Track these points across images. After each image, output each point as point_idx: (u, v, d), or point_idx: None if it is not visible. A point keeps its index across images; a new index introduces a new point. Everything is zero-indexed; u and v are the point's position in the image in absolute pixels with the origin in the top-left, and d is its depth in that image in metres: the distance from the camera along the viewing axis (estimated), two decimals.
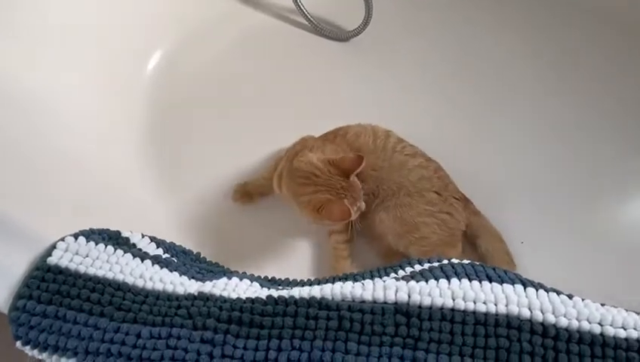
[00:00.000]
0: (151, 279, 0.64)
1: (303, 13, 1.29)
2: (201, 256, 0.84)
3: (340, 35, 1.30)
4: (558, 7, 1.32)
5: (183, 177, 1.10)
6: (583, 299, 0.59)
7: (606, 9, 1.28)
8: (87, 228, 0.70)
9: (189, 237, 0.99)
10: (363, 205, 0.87)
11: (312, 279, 0.75)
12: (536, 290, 0.60)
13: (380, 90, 1.22)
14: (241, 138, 1.14)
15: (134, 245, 0.73)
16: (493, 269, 0.65)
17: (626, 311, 0.58)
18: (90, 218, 0.94)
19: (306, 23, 1.31)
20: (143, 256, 0.68)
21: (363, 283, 0.63)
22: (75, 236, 0.67)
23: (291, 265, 0.98)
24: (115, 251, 0.66)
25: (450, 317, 0.58)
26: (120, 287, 0.63)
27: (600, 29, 1.27)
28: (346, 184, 0.85)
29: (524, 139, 1.15)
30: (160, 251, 0.75)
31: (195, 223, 1.03)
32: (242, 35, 1.31)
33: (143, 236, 0.76)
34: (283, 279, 0.77)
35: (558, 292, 0.60)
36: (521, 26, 1.30)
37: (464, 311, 0.58)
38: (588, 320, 0.57)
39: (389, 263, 0.78)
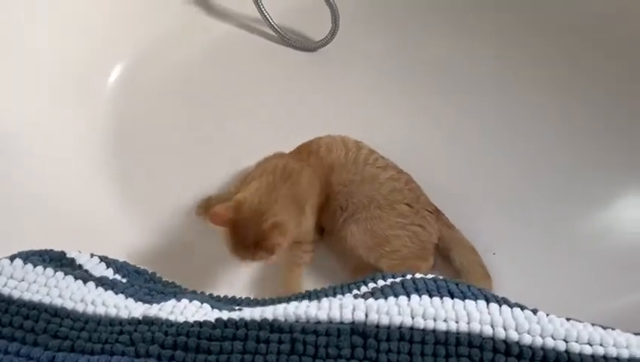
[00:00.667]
0: (92, 303, 0.60)
1: (270, 23, 1.27)
2: (157, 275, 0.80)
3: (307, 46, 1.28)
4: (524, 15, 1.31)
5: (148, 190, 1.06)
6: (547, 314, 0.57)
7: (572, 17, 1.27)
8: (27, 250, 0.66)
9: (152, 251, 0.97)
10: None
11: (270, 298, 0.71)
12: (500, 306, 0.57)
13: (348, 100, 1.20)
14: (207, 151, 1.11)
15: (80, 266, 0.68)
16: (456, 284, 0.62)
17: (592, 325, 0.55)
18: (51, 235, 0.91)
19: (273, 33, 1.29)
20: (86, 277, 0.63)
21: (319, 303, 0.59)
22: (11, 258, 0.63)
23: (258, 280, 0.95)
24: (54, 274, 0.62)
25: (409, 337, 0.54)
26: (57, 313, 0.58)
27: (569, 37, 1.27)
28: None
29: (495, 149, 1.14)
30: (109, 272, 0.71)
31: (159, 237, 1.00)
32: (207, 46, 1.28)
33: (92, 256, 0.72)
34: (241, 298, 0.74)
35: (522, 308, 0.58)
36: (493, 36, 1.28)
37: (424, 330, 0.55)
38: (552, 336, 0.54)
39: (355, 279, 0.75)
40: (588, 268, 1.00)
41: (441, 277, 0.65)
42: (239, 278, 0.94)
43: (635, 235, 1.04)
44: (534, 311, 0.57)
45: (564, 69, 1.22)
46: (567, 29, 1.26)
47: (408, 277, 0.66)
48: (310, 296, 0.70)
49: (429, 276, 0.66)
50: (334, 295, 0.67)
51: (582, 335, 0.54)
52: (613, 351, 0.53)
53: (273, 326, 0.56)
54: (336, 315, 0.57)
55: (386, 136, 1.13)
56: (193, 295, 0.68)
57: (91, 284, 0.63)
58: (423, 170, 1.03)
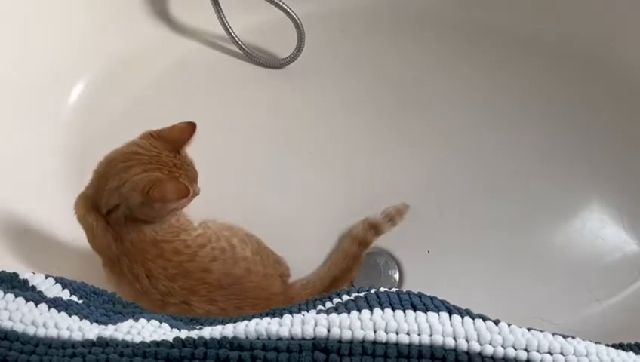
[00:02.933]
0: (44, 325, 0.58)
1: (236, 41, 1.27)
2: (117, 295, 0.77)
3: (273, 63, 1.28)
4: (490, 32, 1.34)
5: None
6: (509, 325, 0.57)
7: (536, 38, 1.31)
8: None
9: None
10: (198, 188, 0.82)
11: (232, 317, 0.70)
12: (462, 317, 0.57)
13: (314, 116, 1.21)
14: None
15: (33, 287, 0.66)
16: (419, 297, 0.62)
17: (553, 334, 0.56)
18: (9, 254, 0.88)
19: (239, 51, 1.29)
20: (38, 299, 0.61)
21: (281, 319, 0.58)
22: None
23: None
24: (4, 295, 0.60)
25: (371, 351, 0.54)
26: (7, 336, 0.56)
27: (531, 56, 1.30)
28: (179, 161, 0.79)
29: (459, 162, 1.16)
30: (65, 293, 0.69)
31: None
32: (173, 64, 1.28)
33: (47, 277, 0.70)
34: (202, 318, 0.72)
35: (484, 319, 0.58)
36: (451, 55, 1.31)
37: (386, 344, 0.54)
38: (514, 346, 0.54)
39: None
40: (549, 279, 1.02)
41: (404, 291, 0.65)
42: None
43: (596, 246, 1.07)
44: (496, 322, 0.57)
45: (525, 87, 1.26)
46: (531, 43, 1.30)
47: (372, 291, 0.66)
48: (274, 313, 0.69)
49: (393, 289, 0.66)
50: (299, 311, 0.66)
51: (542, 345, 0.54)
52: (573, 360, 0.53)
53: (233, 344, 0.55)
54: (297, 331, 0.56)
55: (349, 152, 1.15)
56: (152, 314, 0.65)
57: (43, 306, 0.60)
58: (383, 187, 1.07)
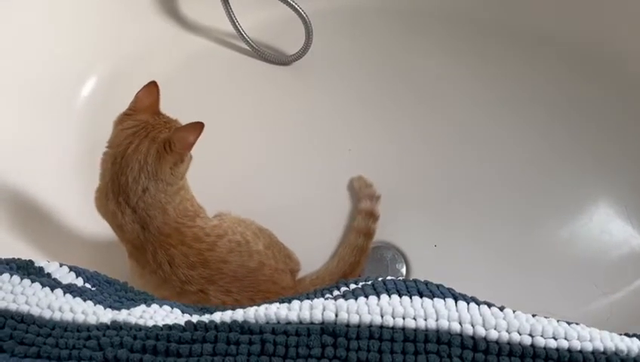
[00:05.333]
0: (60, 309, 0.59)
1: (244, 38, 1.29)
2: (128, 285, 0.79)
3: (281, 59, 1.29)
4: (494, 29, 1.34)
5: None
6: (514, 311, 0.58)
7: (546, 35, 1.31)
8: None
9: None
10: None
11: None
12: (468, 304, 0.58)
13: (322, 112, 1.22)
14: None
15: (49, 274, 0.68)
16: (426, 284, 0.63)
17: (557, 321, 0.57)
18: (21, 246, 0.90)
19: (248, 47, 1.30)
20: (53, 285, 0.63)
21: (289, 304, 0.59)
22: None
23: None
24: (21, 281, 0.61)
25: (378, 335, 0.55)
26: (24, 319, 0.57)
27: (540, 52, 1.30)
28: (165, 118, 0.82)
29: (467, 157, 1.17)
30: (79, 280, 0.70)
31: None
32: (182, 61, 1.29)
33: (61, 265, 0.71)
34: (212, 307, 0.73)
35: (490, 305, 0.59)
36: (460, 51, 1.32)
37: (393, 328, 0.55)
38: (518, 331, 0.55)
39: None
40: (556, 273, 1.03)
41: (411, 279, 0.66)
42: None
43: (603, 241, 1.07)
44: (501, 308, 0.58)
45: (534, 82, 1.26)
46: (536, 42, 1.30)
47: (379, 279, 0.67)
48: (283, 300, 0.71)
49: (400, 278, 0.67)
50: (307, 299, 0.67)
51: (547, 330, 0.55)
52: (577, 345, 0.54)
53: (243, 327, 0.56)
54: (306, 316, 0.57)
55: (358, 147, 1.16)
56: (164, 301, 0.67)
57: (59, 291, 0.62)
58: (388, 185, 1.07)
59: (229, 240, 0.84)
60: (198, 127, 0.78)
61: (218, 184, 1.05)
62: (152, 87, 0.83)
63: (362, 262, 0.98)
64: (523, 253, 1.05)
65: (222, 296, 0.81)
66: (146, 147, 0.79)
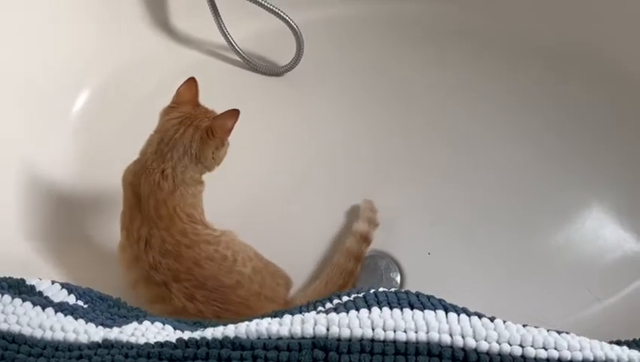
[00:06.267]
0: (51, 328, 0.59)
1: (236, 49, 1.29)
2: (121, 300, 0.79)
3: (273, 70, 1.30)
4: (486, 40, 1.35)
5: (113, 219, 1.04)
6: (504, 322, 0.58)
7: (538, 40, 1.32)
8: None
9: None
10: None
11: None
12: (458, 315, 0.58)
13: (314, 123, 1.22)
14: None
15: (40, 293, 0.68)
16: (417, 296, 0.63)
17: (548, 330, 0.57)
18: (13, 258, 0.90)
19: (239, 59, 1.31)
20: (45, 304, 0.63)
21: (281, 319, 0.60)
22: None
23: None
24: (12, 300, 0.61)
25: (369, 349, 0.55)
26: (15, 340, 0.57)
27: (531, 59, 1.31)
28: (204, 109, 0.90)
29: (460, 165, 1.17)
30: (71, 298, 0.71)
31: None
32: (175, 73, 1.26)
33: (53, 283, 0.71)
34: (205, 321, 0.73)
35: (480, 316, 0.59)
36: (451, 60, 1.33)
37: (384, 341, 0.56)
38: (509, 342, 0.55)
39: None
40: (549, 279, 1.03)
41: (402, 290, 0.66)
42: None
43: (596, 246, 1.07)
44: (492, 319, 0.58)
45: (527, 89, 1.27)
46: (526, 49, 1.31)
47: (371, 291, 0.67)
48: (275, 314, 0.71)
49: (392, 289, 0.67)
50: (300, 313, 0.67)
51: (537, 340, 0.55)
52: (567, 354, 0.54)
53: (235, 343, 0.56)
54: (297, 330, 0.57)
55: (350, 158, 1.16)
56: (156, 317, 0.67)
57: (50, 310, 0.62)
58: (381, 194, 1.08)
59: (215, 250, 0.84)
60: (234, 113, 0.87)
61: (209, 196, 1.05)
62: (192, 83, 0.92)
63: (350, 284, 0.98)
64: (517, 259, 1.05)
65: (184, 299, 0.81)
66: (190, 134, 0.86)
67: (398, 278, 1.04)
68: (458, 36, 1.34)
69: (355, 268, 0.97)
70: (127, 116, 1.21)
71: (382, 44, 1.34)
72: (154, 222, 0.83)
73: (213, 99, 1.25)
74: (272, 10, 1.19)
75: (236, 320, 0.65)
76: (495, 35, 1.33)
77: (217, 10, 1.25)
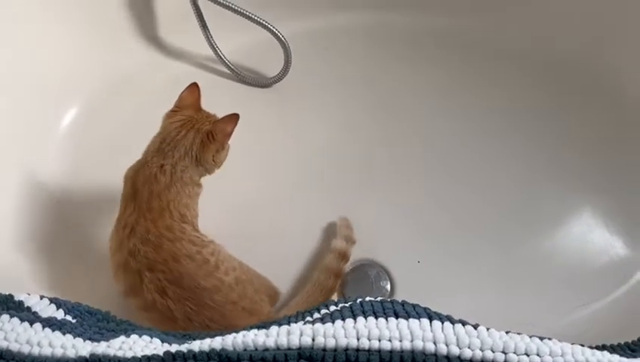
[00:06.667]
0: (39, 344, 0.60)
1: (224, 62, 1.30)
2: (110, 314, 0.79)
3: (261, 82, 1.31)
4: (467, 45, 1.37)
5: (98, 237, 1.03)
6: (487, 329, 0.59)
7: (521, 49, 1.33)
8: None
9: (107, 293, 0.93)
10: None
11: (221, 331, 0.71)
12: (442, 323, 0.59)
13: (303, 133, 1.23)
14: None
15: (29, 308, 0.68)
16: (402, 304, 0.64)
17: (530, 336, 0.58)
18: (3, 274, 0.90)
19: (228, 71, 1.32)
20: (32, 319, 0.63)
21: (267, 330, 0.60)
22: None
23: None
24: (0, 316, 0.62)
25: (354, 358, 0.56)
26: (3, 355, 0.58)
27: (514, 70, 1.32)
28: (205, 113, 0.94)
29: (448, 170, 1.18)
30: (60, 313, 0.71)
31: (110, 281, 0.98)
32: (163, 87, 1.29)
33: (41, 298, 0.72)
34: (193, 333, 0.74)
35: (464, 323, 0.60)
36: (438, 73, 1.33)
37: (369, 351, 0.56)
38: (492, 349, 0.56)
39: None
40: (538, 285, 1.04)
41: (388, 299, 0.67)
42: None
43: (583, 251, 1.09)
44: (475, 326, 0.59)
45: (514, 99, 1.28)
46: (516, 54, 1.32)
47: (358, 301, 0.68)
48: (265, 325, 0.71)
49: (378, 298, 0.68)
50: (288, 323, 0.68)
51: (519, 347, 0.56)
52: (549, 360, 0.55)
53: (221, 355, 0.57)
54: (283, 341, 0.58)
55: (338, 169, 1.17)
56: (145, 330, 0.67)
57: (38, 326, 0.63)
58: (369, 206, 1.10)
59: (198, 252, 0.85)
60: (234, 118, 0.91)
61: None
62: (194, 88, 0.95)
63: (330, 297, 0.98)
64: (505, 266, 1.06)
65: (155, 291, 0.81)
66: (192, 136, 0.90)
67: (389, 286, 1.05)
68: (444, 47, 1.35)
69: (335, 285, 0.98)
70: (116, 130, 1.21)
71: (368, 56, 1.35)
72: (143, 212, 0.85)
73: None
74: (260, 22, 1.21)
75: (223, 332, 0.65)
76: (481, 46, 1.35)
77: (205, 24, 1.26)
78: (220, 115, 1.26)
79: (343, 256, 1.00)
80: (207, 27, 1.26)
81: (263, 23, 1.21)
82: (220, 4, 1.19)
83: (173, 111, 0.94)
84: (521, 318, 0.95)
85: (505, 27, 1.34)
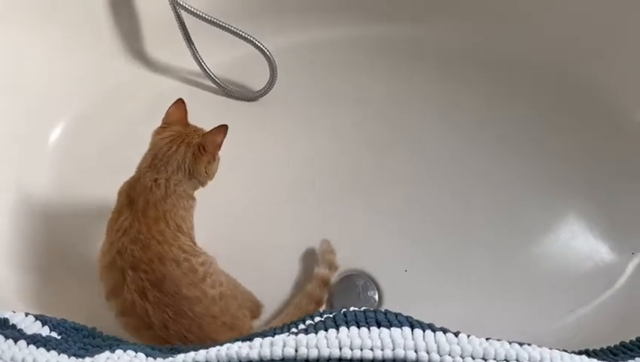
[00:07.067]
0: (23, 361, 0.60)
1: (210, 76, 1.31)
2: (97, 330, 0.79)
3: (247, 95, 1.32)
4: (451, 55, 1.39)
5: (88, 252, 1.02)
6: (468, 336, 0.59)
7: (507, 61, 1.36)
8: None
9: (94, 306, 0.92)
10: None
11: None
12: (424, 331, 0.60)
13: (289, 146, 1.24)
14: None
15: (14, 326, 0.68)
16: (384, 314, 0.65)
17: (510, 343, 0.59)
18: None
19: (214, 85, 1.33)
20: (17, 336, 0.63)
21: (251, 342, 0.61)
22: None
23: None
24: None
25: None
26: None
27: (497, 81, 1.35)
28: (193, 128, 0.95)
29: (437, 177, 1.20)
30: (45, 329, 0.71)
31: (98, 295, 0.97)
32: (150, 102, 1.30)
33: (26, 315, 0.72)
34: (179, 347, 0.74)
35: (445, 331, 0.60)
36: (423, 88, 1.35)
37: (351, 360, 0.57)
38: (472, 356, 0.57)
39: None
40: (524, 292, 1.05)
41: (371, 309, 0.67)
42: None
43: (568, 258, 1.10)
44: (456, 334, 0.60)
45: (496, 102, 1.31)
46: (502, 72, 1.35)
47: (342, 311, 0.69)
48: (249, 337, 0.71)
49: (362, 308, 0.69)
50: (273, 335, 0.68)
51: (499, 353, 0.57)
52: None
53: None
54: (266, 353, 0.58)
55: (324, 182, 1.18)
56: (130, 345, 0.68)
57: (22, 343, 0.63)
58: (356, 223, 1.11)
59: (186, 259, 0.85)
60: (223, 129, 0.92)
61: None
62: (180, 103, 0.96)
63: None
64: (492, 273, 1.07)
65: (135, 292, 0.81)
66: (183, 150, 0.91)
67: (376, 296, 1.05)
68: (427, 59, 1.38)
69: (316, 309, 0.98)
70: (104, 146, 1.21)
71: (353, 68, 1.37)
72: (138, 217, 0.86)
73: None
74: (245, 37, 1.22)
75: (208, 344, 0.66)
76: (463, 55, 1.37)
77: (190, 39, 1.27)
78: (208, 128, 1.28)
79: (325, 283, 1.01)
80: (192, 42, 1.28)
81: (248, 38, 1.22)
82: (205, 19, 1.20)
83: (162, 128, 0.95)
84: (508, 326, 0.97)
85: (486, 37, 1.37)
